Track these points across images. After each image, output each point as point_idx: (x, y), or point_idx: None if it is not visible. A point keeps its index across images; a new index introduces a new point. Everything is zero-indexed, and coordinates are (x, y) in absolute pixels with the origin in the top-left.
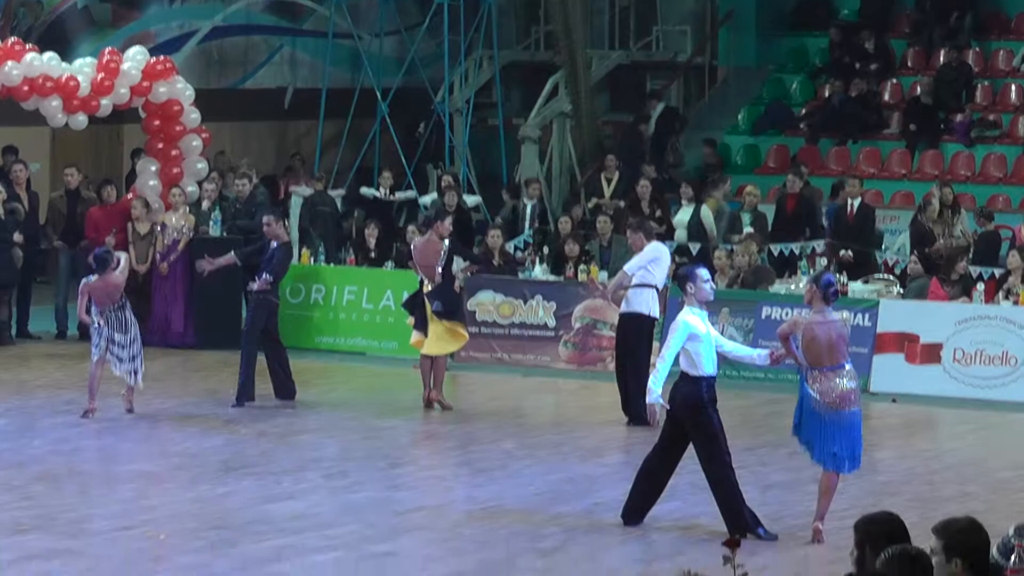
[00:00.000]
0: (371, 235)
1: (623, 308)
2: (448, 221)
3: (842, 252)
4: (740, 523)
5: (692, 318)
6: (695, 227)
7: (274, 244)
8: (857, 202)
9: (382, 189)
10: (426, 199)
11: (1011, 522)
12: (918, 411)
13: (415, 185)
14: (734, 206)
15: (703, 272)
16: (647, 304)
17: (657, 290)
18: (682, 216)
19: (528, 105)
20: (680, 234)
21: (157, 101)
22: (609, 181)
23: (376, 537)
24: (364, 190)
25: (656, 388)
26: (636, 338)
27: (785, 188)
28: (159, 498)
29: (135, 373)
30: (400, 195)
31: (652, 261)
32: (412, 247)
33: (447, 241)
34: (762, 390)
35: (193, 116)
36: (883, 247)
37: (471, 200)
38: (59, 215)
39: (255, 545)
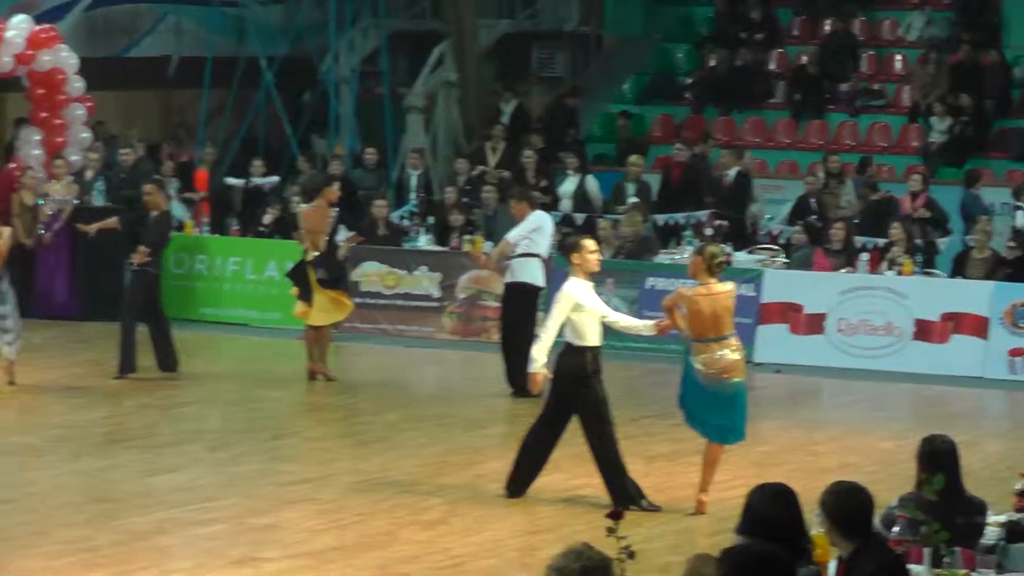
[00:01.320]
0: (272, 212)
1: (508, 278)
2: (336, 187)
3: (717, 221)
4: (624, 495)
5: (577, 289)
6: (580, 197)
7: (154, 214)
8: (734, 172)
9: (253, 178)
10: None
11: (894, 493)
12: (802, 381)
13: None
14: (618, 176)
15: (589, 243)
16: (532, 274)
17: (541, 260)
18: (567, 186)
19: (414, 74)
20: (565, 204)
21: (41, 70)
22: (495, 151)
23: (259, 509)
24: (230, 180)
25: (539, 358)
26: (521, 308)
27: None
28: (41, 471)
29: (10, 345)
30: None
31: (535, 230)
32: (299, 214)
33: (335, 209)
34: (646, 360)
35: (77, 85)
36: (768, 217)
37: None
38: None
39: (138, 518)
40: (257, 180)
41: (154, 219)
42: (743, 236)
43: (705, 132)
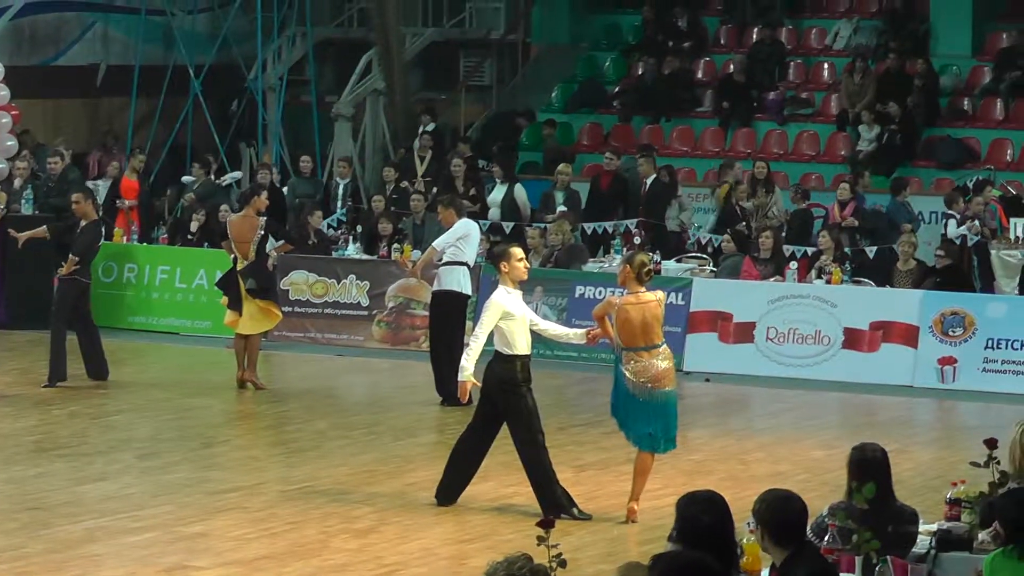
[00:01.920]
0: (197, 219)
1: (435, 286)
2: (264, 196)
3: (632, 229)
4: (554, 503)
5: (505, 297)
6: (508, 205)
7: (83, 223)
8: (650, 180)
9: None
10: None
11: (824, 502)
12: (731, 390)
13: (227, 163)
14: (546, 185)
15: (517, 251)
16: (459, 282)
17: (469, 267)
18: (495, 195)
19: (342, 83)
20: (493, 213)
21: None
22: (422, 159)
23: (189, 518)
24: (185, 178)
25: (468, 366)
26: (449, 316)
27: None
28: None
29: None
30: (226, 178)
31: (462, 238)
32: (227, 224)
33: (263, 218)
34: (576, 369)
35: (3, 93)
36: (696, 226)
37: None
38: None
39: (68, 526)
40: (224, 178)
41: (83, 228)
42: (664, 243)
43: (647, 145)
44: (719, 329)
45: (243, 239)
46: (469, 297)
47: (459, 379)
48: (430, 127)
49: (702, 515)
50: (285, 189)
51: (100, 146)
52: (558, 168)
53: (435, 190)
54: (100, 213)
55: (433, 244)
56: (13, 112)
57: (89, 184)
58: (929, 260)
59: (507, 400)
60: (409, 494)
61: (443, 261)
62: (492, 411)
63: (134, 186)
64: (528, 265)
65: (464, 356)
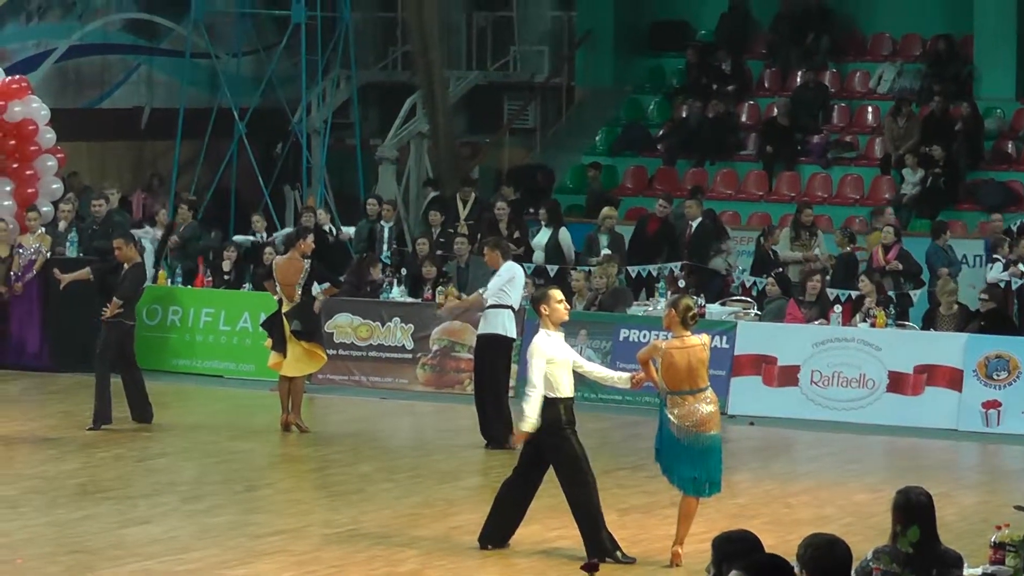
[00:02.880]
0: (228, 257)
1: (480, 329)
2: (310, 239)
3: (676, 272)
4: (599, 546)
5: (546, 340)
6: (553, 249)
7: (126, 266)
8: (696, 222)
9: (257, 235)
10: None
11: (868, 545)
12: (776, 433)
13: (272, 207)
14: (590, 227)
15: (556, 293)
16: (504, 325)
17: (513, 311)
18: (540, 238)
19: (386, 126)
20: (538, 256)
21: (12, 120)
22: (465, 203)
23: (233, 561)
24: (238, 238)
25: (533, 416)
26: (493, 359)
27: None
28: (15, 522)
29: None
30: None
31: (508, 281)
32: (272, 265)
33: (308, 260)
34: (620, 412)
35: (48, 136)
36: (740, 269)
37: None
38: None
39: (112, 570)
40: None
41: (127, 272)
42: (708, 287)
43: (695, 187)
44: (763, 372)
45: (288, 281)
46: (514, 340)
47: (524, 429)
48: (471, 199)
49: (738, 554)
50: (339, 229)
51: (144, 188)
52: (603, 211)
53: (479, 234)
54: (143, 256)
55: (481, 292)
56: (59, 155)
57: (134, 230)
58: (972, 303)
59: (552, 443)
60: (453, 537)
61: (488, 304)
62: (536, 455)
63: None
64: (568, 307)
65: (526, 405)
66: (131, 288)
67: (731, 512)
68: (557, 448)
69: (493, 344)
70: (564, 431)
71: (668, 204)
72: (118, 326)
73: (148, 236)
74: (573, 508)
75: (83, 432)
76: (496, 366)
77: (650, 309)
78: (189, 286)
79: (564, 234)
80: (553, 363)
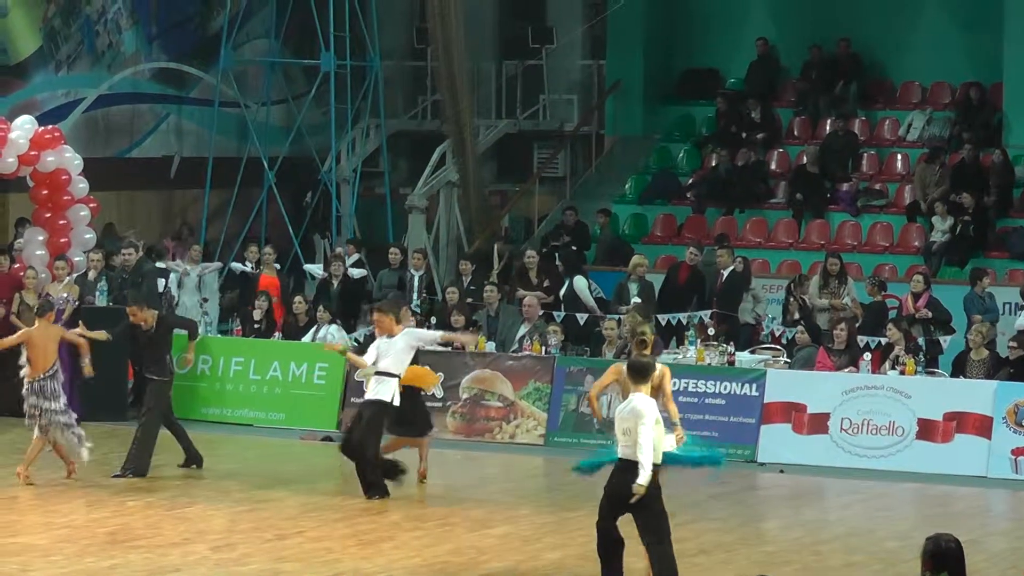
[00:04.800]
0: (259, 307)
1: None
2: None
3: (706, 320)
4: None
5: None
6: (570, 299)
7: (145, 328)
8: (728, 271)
9: (249, 263)
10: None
11: None
12: (806, 481)
13: (301, 254)
14: (621, 276)
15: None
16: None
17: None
18: (566, 288)
19: (415, 174)
20: (567, 306)
21: (45, 170)
22: (500, 256)
23: None
24: (234, 265)
25: (645, 480)
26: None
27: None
28: (46, 571)
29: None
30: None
31: (403, 350)
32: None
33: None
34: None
35: (81, 186)
36: (770, 317)
37: (356, 273)
38: None
39: None
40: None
41: (157, 330)
42: (738, 335)
43: (724, 236)
44: (793, 420)
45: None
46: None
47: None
48: (504, 256)
49: None
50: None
51: (174, 237)
52: (633, 260)
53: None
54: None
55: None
56: (91, 204)
57: (160, 264)
58: (1003, 351)
59: (646, 501)
60: None
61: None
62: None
63: (275, 282)
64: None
65: (643, 473)
66: (164, 345)
67: (760, 560)
68: (649, 508)
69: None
70: (659, 492)
71: (699, 252)
72: (158, 382)
73: (179, 270)
74: (657, 561)
75: (113, 480)
76: (373, 426)
77: (680, 357)
78: (219, 335)
79: (579, 282)
80: (657, 424)
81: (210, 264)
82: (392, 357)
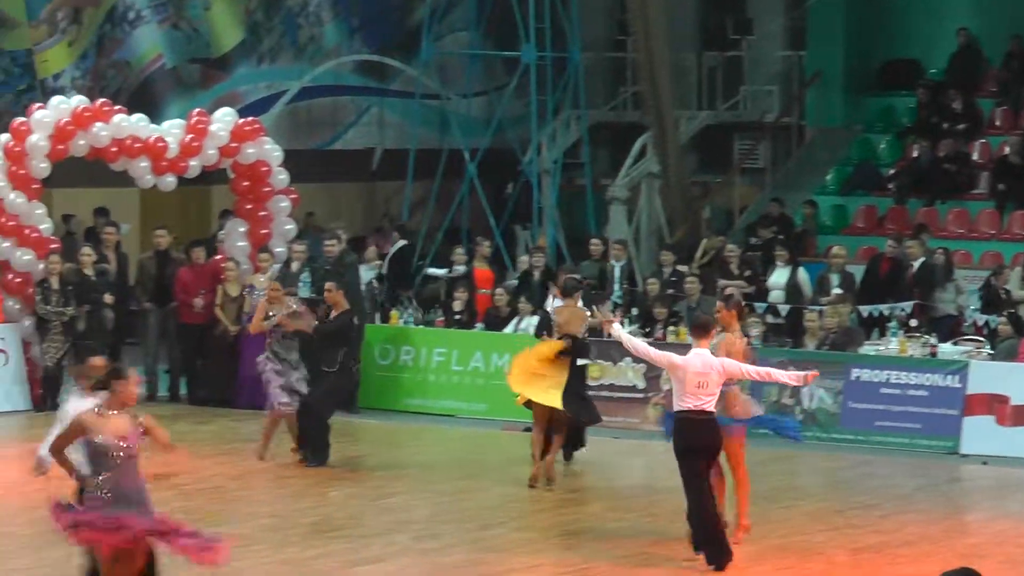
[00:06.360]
0: (460, 297)
1: None
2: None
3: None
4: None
5: None
6: (792, 289)
7: (334, 313)
8: (918, 263)
9: (458, 267)
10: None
11: None
12: (1010, 473)
13: (504, 246)
14: (821, 267)
15: None
16: None
17: None
18: (777, 278)
19: (616, 165)
20: (775, 295)
21: (246, 162)
22: (705, 253)
23: None
24: (433, 271)
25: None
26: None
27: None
28: (248, 560)
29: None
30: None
31: None
32: (551, 312)
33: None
34: (851, 452)
35: (281, 177)
36: (972, 308)
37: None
38: (149, 276)
39: None
40: (460, 268)
41: (340, 318)
42: (939, 326)
43: (920, 226)
44: (996, 412)
45: (571, 332)
46: None
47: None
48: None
49: None
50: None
51: (376, 229)
52: (832, 250)
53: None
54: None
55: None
56: (292, 196)
57: (362, 266)
58: None
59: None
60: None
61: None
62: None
63: (488, 275)
64: None
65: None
66: (345, 335)
67: (963, 552)
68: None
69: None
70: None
71: (897, 244)
72: (348, 372)
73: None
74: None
75: (315, 471)
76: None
77: (882, 349)
78: (421, 326)
79: (803, 273)
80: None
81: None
82: None
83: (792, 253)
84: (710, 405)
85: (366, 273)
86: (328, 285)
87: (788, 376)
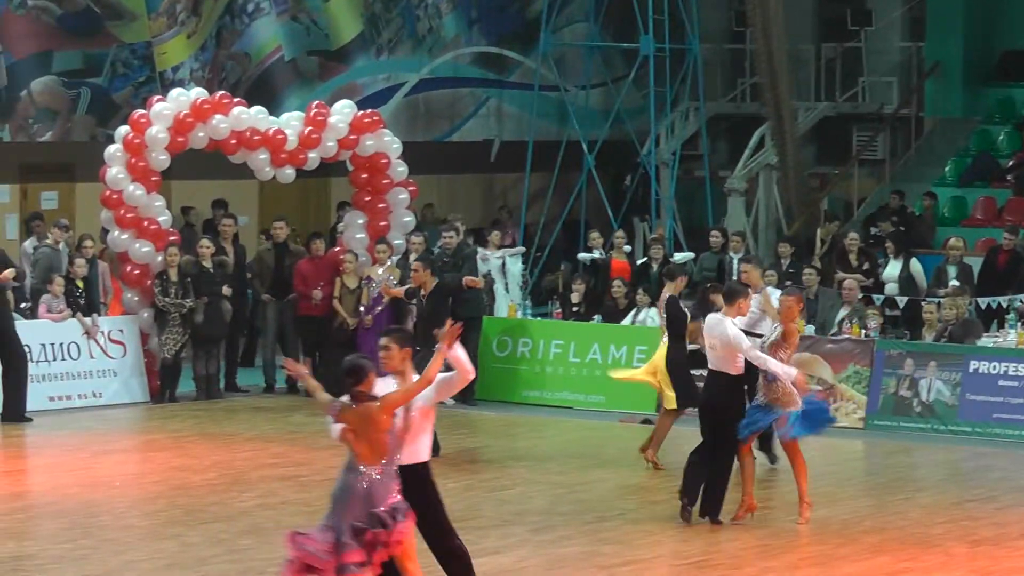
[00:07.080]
0: (577, 289)
1: None
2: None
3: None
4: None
5: None
6: (905, 281)
7: (421, 292)
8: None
9: (597, 251)
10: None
11: None
12: None
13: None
14: (938, 259)
15: None
16: None
17: None
18: (891, 270)
19: (734, 157)
20: (890, 288)
21: (364, 154)
22: (823, 242)
23: None
24: (582, 256)
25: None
26: None
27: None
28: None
29: None
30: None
31: None
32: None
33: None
34: (969, 443)
35: (400, 169)
36: None
37: (680, 256)
38: (267, 268)
39: None
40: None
41: (432, 296)
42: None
43: None
44: None
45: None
46: None
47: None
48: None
49: None
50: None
51: (493, 222)
52: (950, 242)
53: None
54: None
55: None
56: (410, 188)
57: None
58: None
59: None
60: (801, 568)
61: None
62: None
63: (626, 267)
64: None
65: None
66: (436, 311)
67: None
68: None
69: None
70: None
71: (1013, 236)
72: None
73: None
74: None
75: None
76: None
77: (1000, 340)
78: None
79: (916, 265)
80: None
81: (511, 248)
82: None
83: (903, 245)
84: (715, 365)
85: (511, 263)
86: (415, 265)
87: (781, 369)
